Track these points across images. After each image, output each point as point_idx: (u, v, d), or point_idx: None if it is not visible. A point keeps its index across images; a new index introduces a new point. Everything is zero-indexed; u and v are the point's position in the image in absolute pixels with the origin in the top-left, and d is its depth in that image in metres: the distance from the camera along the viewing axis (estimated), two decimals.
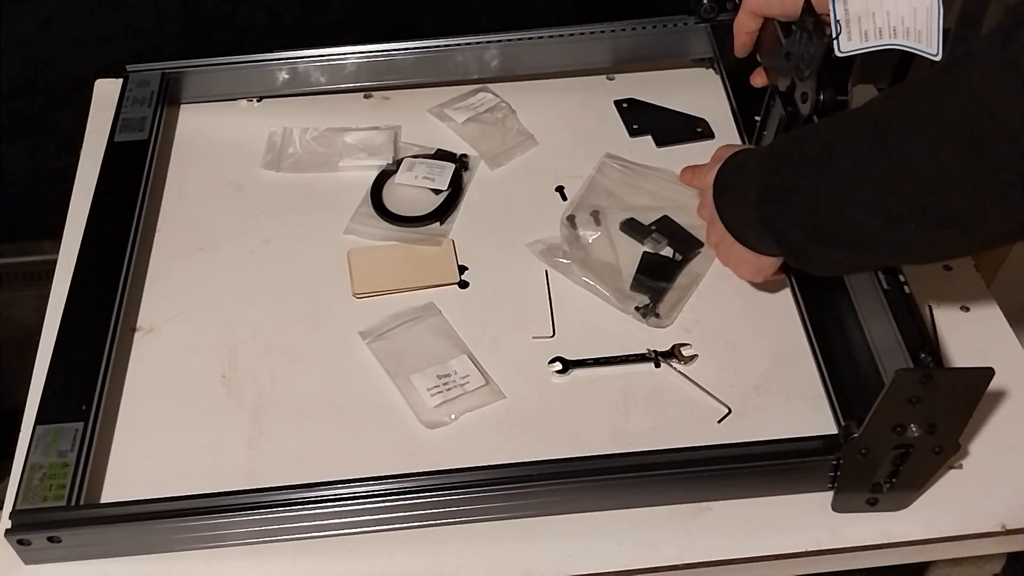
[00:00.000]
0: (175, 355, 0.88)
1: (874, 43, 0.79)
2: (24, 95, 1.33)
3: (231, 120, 1.09)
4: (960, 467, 0.79)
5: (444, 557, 0.75)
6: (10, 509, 0.74)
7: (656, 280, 0.91)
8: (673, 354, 0.86)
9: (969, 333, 0.88)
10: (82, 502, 0.75)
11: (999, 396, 0.83)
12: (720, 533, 0.76)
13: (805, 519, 0.76)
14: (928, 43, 0.78)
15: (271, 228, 0.98)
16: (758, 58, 0.97)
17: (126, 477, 0.80)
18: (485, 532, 0.76)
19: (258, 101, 1.10)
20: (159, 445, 0.82)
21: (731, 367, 0.86)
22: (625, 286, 0.91)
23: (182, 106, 1.10)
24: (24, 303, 1.50)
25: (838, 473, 0.75)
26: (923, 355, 0.73)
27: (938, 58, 0.78)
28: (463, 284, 0.93)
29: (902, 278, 0.78)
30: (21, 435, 0.80)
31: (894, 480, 0.74)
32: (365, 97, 1.11)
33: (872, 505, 0.76)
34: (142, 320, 0.91)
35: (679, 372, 0.85)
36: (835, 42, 0.79)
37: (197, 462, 0.81)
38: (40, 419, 0.79)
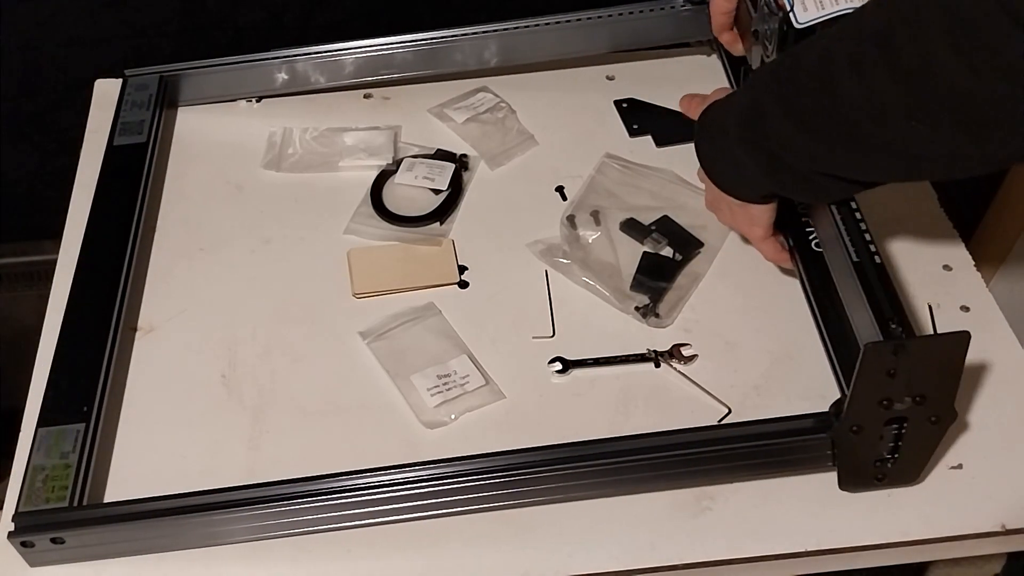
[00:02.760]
0: (175, 355, 0.88)
1: (831, 10, 0.78)
2: (24, 95, 1.33)
3: (230, 121, 1.09)
4: (960, 467, 0.79)
5: (444, 557, 0.75)
6: (12, 512, 0.74)
7: (656, 280, 0.91)
8: (673, 354, 0.86)
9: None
10: (85, 503, 0.76)
11: (999, 396, 0.83)
12: (720, 533, 0.76)
13: (805, 519, 0.76)
14: None
15: (271, 228, 0.98)
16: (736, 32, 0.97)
17: (128, 478, 0.80)
18: (485, 532, 0.76)
19: (257, 102, 1.10)
20: (160, 446, 0.82)
21: (731, 367, 0.86)
22: (625, 286, 0.91)
23: (182, 108, 1.10)
24: (24, 303, 1.50)
25: (834, 452, 0.74)
26: (893, 326, 0.72)
27: None
28: (463, 284, 0.93)
29: (872, 248, 0.77)
30: (21, 436, 0.81)
31: (896, 455, 0.73)
32: (365, 97, 1.11)
33: (880, 481, 0.76)
34: (142, 320, 0.91)
35: (679, 372, 0.85)
36: (791, 15, 0.78)
37: (197, 462, 0.81)
38: (42, 421, 0.79)
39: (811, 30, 0.78)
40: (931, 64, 0.59)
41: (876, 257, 0.77)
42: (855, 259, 0.77)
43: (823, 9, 0.78)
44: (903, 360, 0.67)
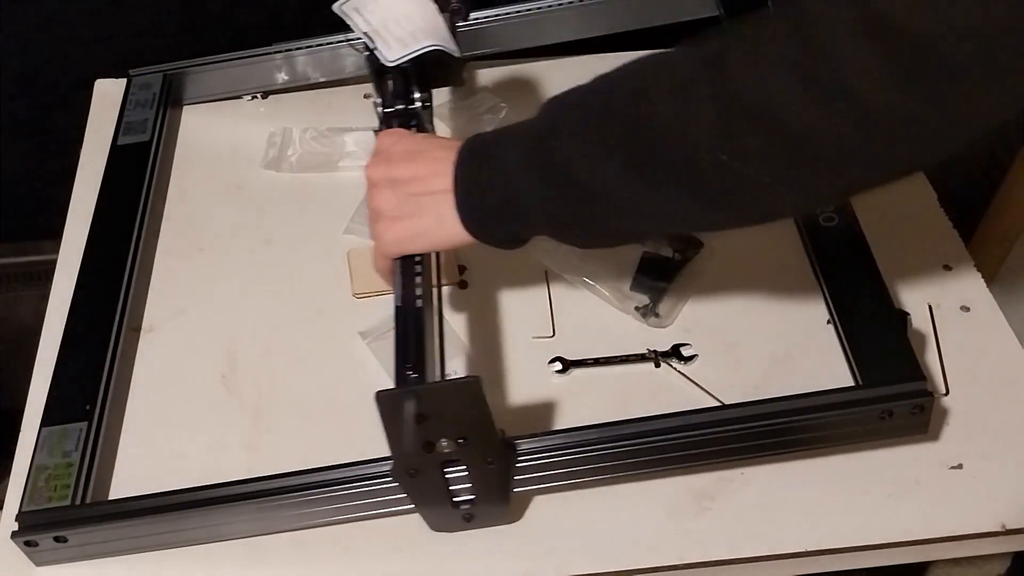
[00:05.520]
0: (175, 355, 0.88)
1: (414, 48, 0.78)
2: (24, 95, 1.33)
3: (232, 120, 1.09)
4: (960, 467, 0.79)
5: (444, 557, 0.75)
6: (15, 511, 0.75)
7: (656, 280, 0.91)
8: (673, 354, 0.86)
9: (969, 333, 0.88)
10: (88, 501, 0.76)
11: (999, 396, 0.83)
12: (720, 533, 0.76)
13: (805, 519, 0.76)
14: (449, 41, 0.79)
15: (271, 228, 0.98)
16: None
17: (131, 476, 0.80)
18: (485, 531, 0.76)
19: (264, 97, 1.10)
20: (160, 445, 0.82)
21: (731, 367, 0.86)
22: (625, 286, 0.91)
23: (185, 107, 1.10)
24: (24, 303, 1.50)
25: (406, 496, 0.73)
26: (408, 372, 0.67)
27: (458, 54, 0.78)
28: (463, 284, 0.93)
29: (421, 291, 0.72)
30: (22, 436, 0.81)
31: (475, 495, 0.72)
32: (365, 97, 1.11)
33: (470, 521, 0.74)
34: (144, 320, 0.91)
35: (679, 372, 0.85)
36: (378, 53, 0.78)
37: (198, 462, 0.81)
38: (46, 421, 0.80)
39: (408, 67, 0.79)
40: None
41: (418, 301, 0.72)
42: (398, 304, 0.73)
43: (406, 48, 0.78)
44: (427, 406, 0.64)
